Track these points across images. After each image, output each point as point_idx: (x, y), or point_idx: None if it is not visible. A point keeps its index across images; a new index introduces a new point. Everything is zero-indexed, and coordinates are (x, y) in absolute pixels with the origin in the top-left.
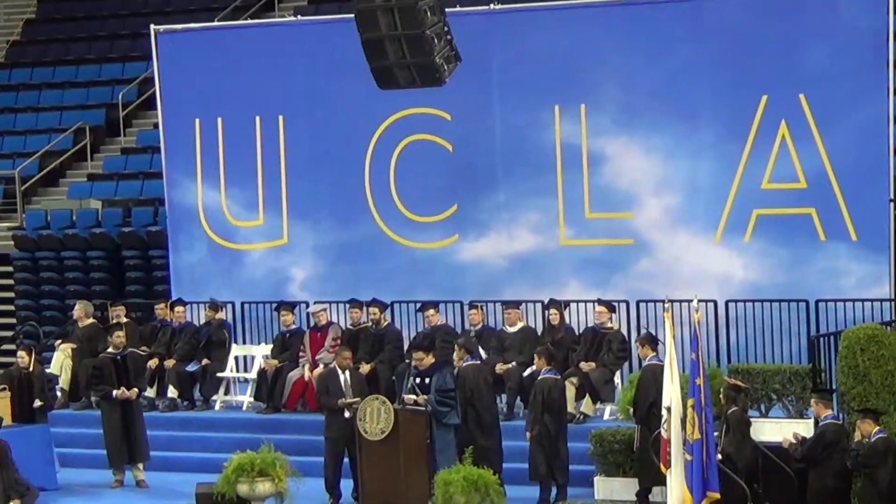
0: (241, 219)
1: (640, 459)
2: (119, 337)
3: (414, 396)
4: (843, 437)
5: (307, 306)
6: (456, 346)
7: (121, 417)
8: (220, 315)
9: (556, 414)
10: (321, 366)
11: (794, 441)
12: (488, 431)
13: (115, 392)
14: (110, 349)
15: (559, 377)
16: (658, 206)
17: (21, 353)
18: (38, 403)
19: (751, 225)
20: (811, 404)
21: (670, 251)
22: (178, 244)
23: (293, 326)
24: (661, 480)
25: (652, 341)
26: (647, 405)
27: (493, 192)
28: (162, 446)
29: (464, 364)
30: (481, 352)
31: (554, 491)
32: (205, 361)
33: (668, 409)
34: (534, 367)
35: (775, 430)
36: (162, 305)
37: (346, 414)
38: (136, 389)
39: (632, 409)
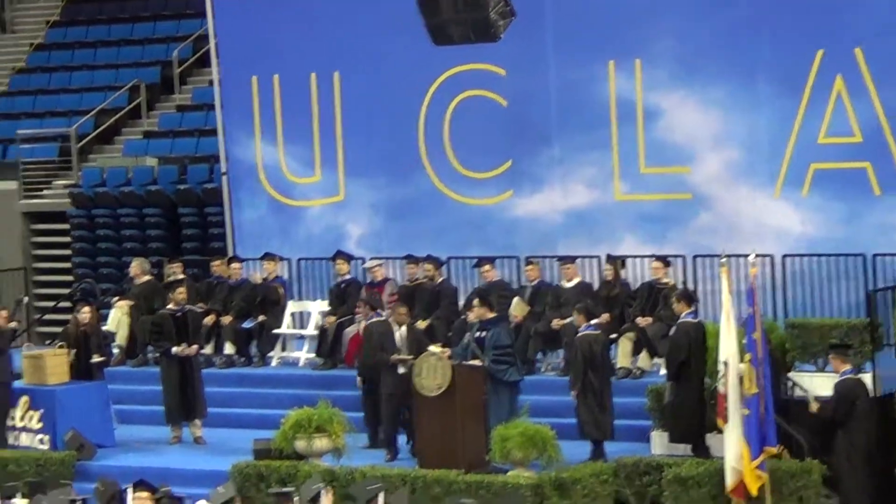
0: (298, 175)
1: (672, 415)
2: (180, 293)
3: (477, 362)
4: (860, 391)
5: (363, 262)
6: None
7: (179, 374)
8: (277, 270)
9: (600, 369)
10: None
11: (818, 404)
12: None
13: (174, 349)
14: (171, 305)
15: (600, 332)
16: (716, 160)
17: (85, 308)
18: (96, 359)
19: (808, 179)
20: (829, 360)
21: (729, 206)
22: (240, 201)
23: (348, 276)
24: (690, 438)
25: (687, 298)
26: (677, 363)
27: (547, 148)
28: (219, 403)
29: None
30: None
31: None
32: (261, 318)
33: (725, 364)
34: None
35: (830, 385)
36: (218, 262)
37: (401, 370)
38: (195, 346)
39: (664, 366)
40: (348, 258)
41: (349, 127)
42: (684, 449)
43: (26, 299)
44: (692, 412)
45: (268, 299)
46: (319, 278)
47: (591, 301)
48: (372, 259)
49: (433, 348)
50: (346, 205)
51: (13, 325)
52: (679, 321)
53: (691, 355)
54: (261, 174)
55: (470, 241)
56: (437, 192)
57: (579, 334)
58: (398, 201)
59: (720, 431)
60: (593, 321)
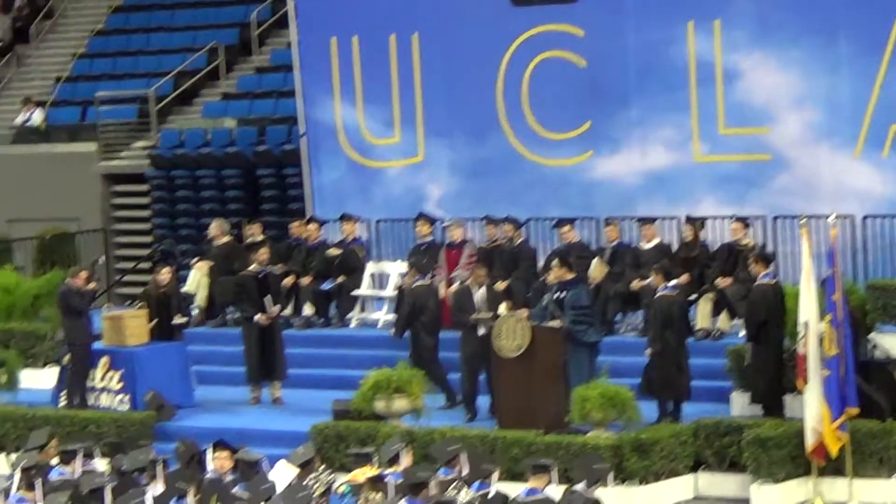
0: (377, 136)
1: (752, 377)
2: (263, 254)
3: (556, 323)
4: None
5: (442, 224)
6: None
7: (260, 335)
8: (355, 232)
9: (677, 330)
10: (457, 283)
11: None
12: None
13: (256, 317)
14: (253, 267)
15: (678, 292)
16: (796, 121)
17: (164, 270)
18: (177, 320)
19: (889, 140)
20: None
21: (809, 166)
22: (318, 162)
23: (429, 238)
24: (769, 399)
25: (765, 258)
26: (757, 324)
27: (625, 109)
28: (298, 364)
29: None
30: None
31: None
32: (340, 279)
33: (806, 325)
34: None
35: None
36: (297, 223)
37: (481, 330)
38: (277, 307)
39: (743, 328)
40: (430, 220)
41: (428, 88)
42: (764, 410)
43: (102, 259)
44: (771, 373)
45: (346, 261)
46: (398, 239)
47: (669, 262)
48: (451, 220)
49: (503, 309)
50: (426, 166)
51: (92, 286)
52: (757, 282)
53: (770, 316)
54: (340, 135)
55: (549, 202)
56: (515, 153)
57: (658, 294)
58: (477, 162)
59: (800, 393)
60: (672, 282)
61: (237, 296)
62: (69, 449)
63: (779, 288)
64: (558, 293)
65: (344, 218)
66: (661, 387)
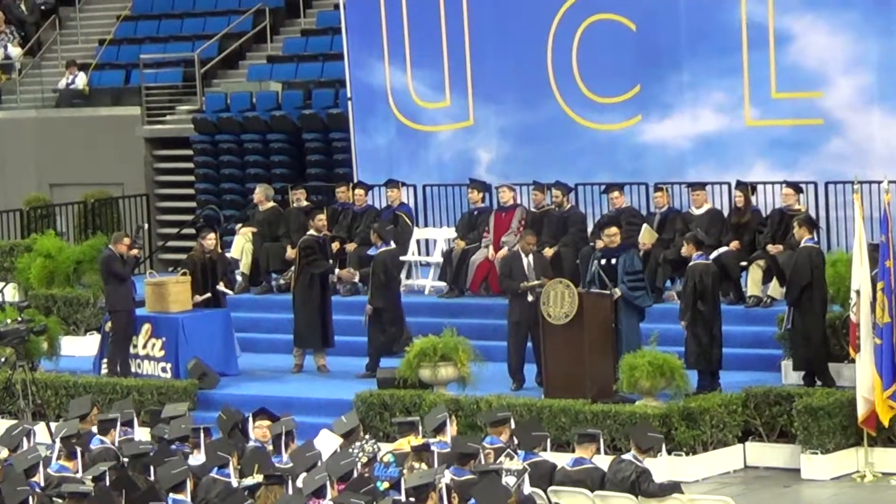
0: (427, 100)
1: (794, 343)
2: (320, 220)
3: (606, 291)
4: None
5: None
6: None
7: (316, 300)
8: (400, 198)
9: (710, 300)
10: (504, 248)
11: None
12: None
13: (334, 275)
14: (312, 232)
15: (710, 261)
16: (849, 85)
17: (209, 235)
18: (222, 286)
19: None
20: None
21: (862, 131)
22: (365, 126)
23: (482, 205)
24: (812, 366)
25: (809, 223)
26: (800, 287)
27: (676, 72)
28: (343, 331)
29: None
30: None
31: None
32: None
33: (857, 293)
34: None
35: None
36: (343, 188)
37: (530, 297)
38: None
39: (780, 290)
40: (482, 186)
41: (477, 51)
42: (805, 378)
43: (146, 226)
44: (815, 340)
45: (394, 224)
46: (446, 205)
47: (699, 231)
48: (501, 185)
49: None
50: (475, 130)
51: (135, 252)
52: (801, 246)
53: (813, 280)
54: (389, 99)
55: (598, 167)
56: (565, 117)
57: (690, 264)
58: (526, 127)
59: (851, 361)
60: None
61: (309, 257)
62: (109, 417)
63: (821, 253)
64: (604, 260)
65: (389, 183)
66: (696, 358)
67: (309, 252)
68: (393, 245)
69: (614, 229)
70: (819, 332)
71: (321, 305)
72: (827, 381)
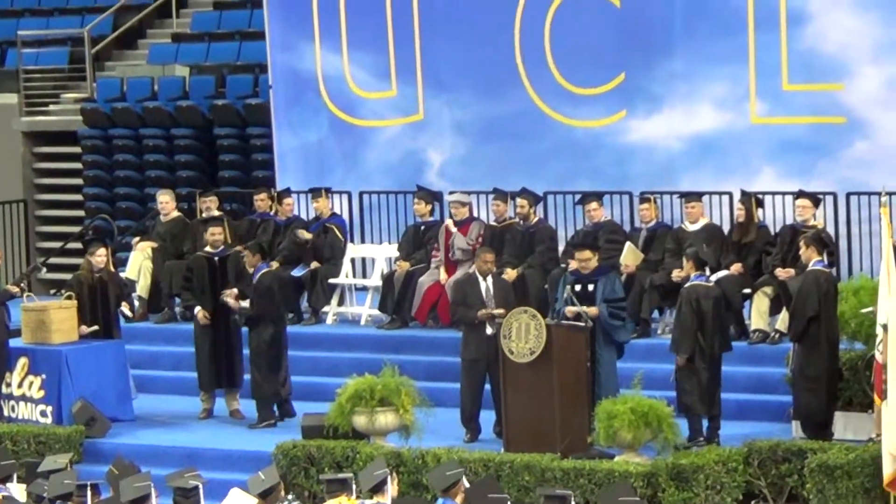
0: (367, 89)
1: (794, 386)
2: (214, 234)
3: (578, 308)
4: None
5: (444, 196)
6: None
7: (214, 333)
8: (330, 206)
9: (710, 330)
10: (458, 271)
11: None
12: None
13: (199, 313)
14: (207, 248)
15: (712, 284)
16: (876, 76)
17: (99, 250)
18: (125, 310)
19: None
20: None
21: (890, 132)
22: (292, 120)
23: (430, 219)
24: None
25: (818, 242)
26: (805, 319)
27: (668, 59)
28: None
29: None
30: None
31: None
32: (314, 265)
33: (884, 327)
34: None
35: None
36: (262, 196)
37: (488, 330)
38: (233, 290)
39: (787, 323)
40: (430, 196)
41: (429, 31)
42: (837, 432)
43: (44, 269)
44: (818, 383)
45: (323, 241)
46: (387, 217)
47: (706, 247)
48: (453, 193)
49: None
50: (425, 125)
51: (15, 290)
52: (808, 269)
53: (822, 311)
54: (320, 87)
55: (573, 172)
56: (534, 111)
57: (687, 285)
58: (487, 122)
59: (871, 411)
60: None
61: (185, 282)
62: None
63: (832, 279)
64: (578, 285)
65: (314, 192)
66: (691, 400)
67: (187, 276)
68: (274, 265)
69: (588, 253)
70: (825, 375)
71: (225, 338)
72: (825, 436)
